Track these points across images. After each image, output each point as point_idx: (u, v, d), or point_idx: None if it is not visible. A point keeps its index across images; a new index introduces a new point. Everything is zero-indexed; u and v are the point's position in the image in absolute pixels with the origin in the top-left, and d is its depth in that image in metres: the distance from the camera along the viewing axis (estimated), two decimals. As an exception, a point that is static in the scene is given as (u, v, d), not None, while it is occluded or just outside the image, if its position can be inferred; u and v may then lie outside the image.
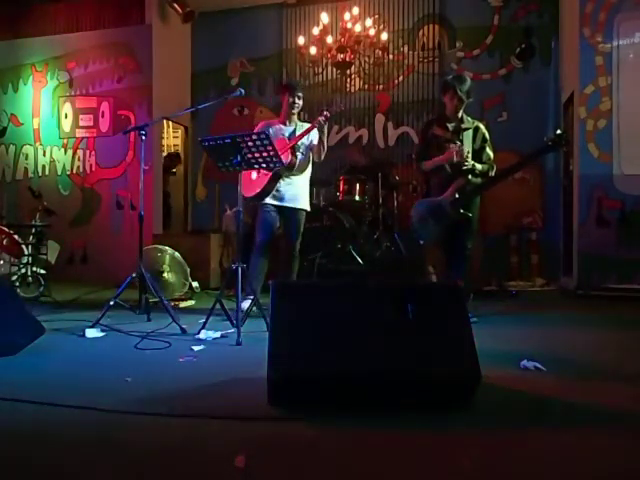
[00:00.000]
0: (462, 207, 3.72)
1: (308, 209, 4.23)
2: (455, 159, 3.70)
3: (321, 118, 3.87)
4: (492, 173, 3.82)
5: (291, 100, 4.09)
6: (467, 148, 3.75)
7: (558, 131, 3.82)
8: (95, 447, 1.58)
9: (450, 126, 3.81)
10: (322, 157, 4.10)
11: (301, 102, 4.16)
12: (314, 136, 4.05)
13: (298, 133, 4.07)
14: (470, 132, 3.79)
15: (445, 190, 3.75)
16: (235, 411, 1.86)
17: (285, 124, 4.19)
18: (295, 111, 4.16)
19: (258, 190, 4.01)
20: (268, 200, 4.03)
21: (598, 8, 5.29)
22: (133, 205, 6.78)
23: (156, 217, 6.96)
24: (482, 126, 3.86)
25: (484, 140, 3.83)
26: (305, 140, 4.06)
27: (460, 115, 3.81)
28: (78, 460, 1.50)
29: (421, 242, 4.01)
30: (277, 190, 4.02)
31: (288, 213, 4.10)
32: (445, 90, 3.81)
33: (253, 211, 4.34)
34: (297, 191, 4.12)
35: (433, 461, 1.50)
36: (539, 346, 2.94)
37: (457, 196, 3.71)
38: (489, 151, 3.84)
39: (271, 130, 4.05)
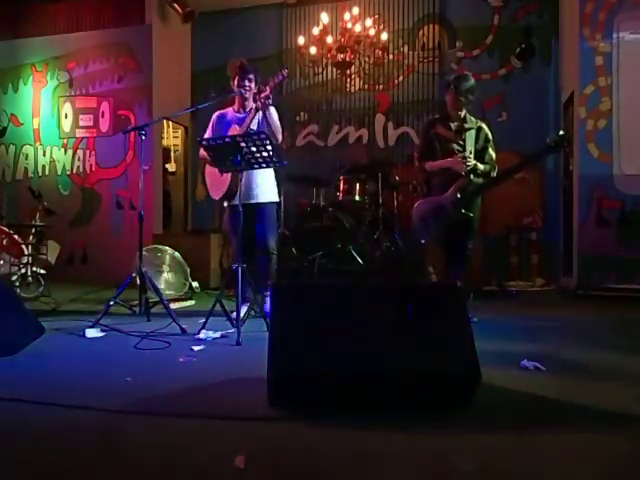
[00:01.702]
0: (463, 207, 3.71)
1: (275, 200, 3.96)
2: (457, 168, 3.71)
3: (260, 101, 3.62)
4: (494, 174, 3.81)
5: (240, 83, 3.80)
6: (470, 148, 3.75)
7: (560, 132, 3.81)
8: (95, 447, 1.58)
9: (453, 125, 3.81)
10: (279, 138, 3.74)
11: (253, 85, 3.82)
12: (264, 119, 3.70)
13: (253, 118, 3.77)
14: (473, 132, 3.78)
15: (446, 190, 3.75)
16: (235, 411, 1.86)
17: (239, 112, 3.90)
18: (248, 95, 3.84)
19: (222, 191, 3.79)
20: (234, 200, 3.69)
21: (598, 8, 5.29)
22: (133, 205, 6.79)
23: (156, 217, 6.96)
24: (485, 126, 3.85)
25: (487, 140, 3.82)
26: (254, 126, 3.75)
27: (463, 115, 3.80)
28: (78, 460, 1.50)
29: (422, 242, 4.00)
30: (239, 188, 3.59)
31: (254, 210, 3.79)
32: (445, 88, 3.86)
33: None
34: (259, 183, 3.84)
35: (433, 461, 1.50)
36: (539, 346, 2.94)
37: (459, 196, 3.71)
38: (491, 152, 3.83)
39: (223, 121, 3.89)
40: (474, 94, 3.79)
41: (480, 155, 3.79)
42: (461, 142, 3.76)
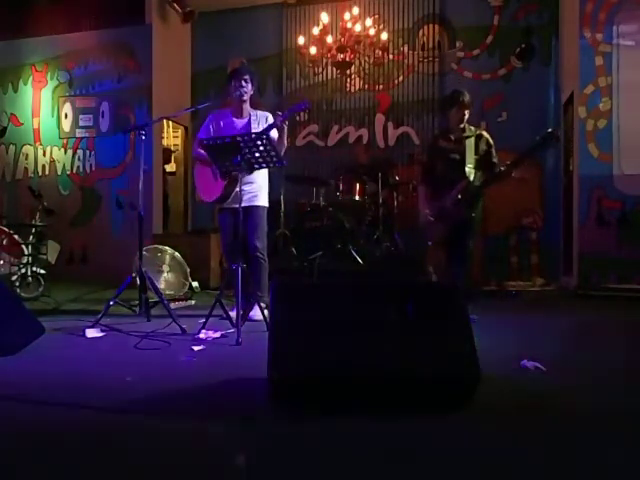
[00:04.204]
0: (466, 208, 3.77)
1: (265, 204, 3.94)
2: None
3: (279, 120, 3.60)
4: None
5: (236, 84, 3.77)
6: (469, 157, 3.80)
7: (549, 129, 3.91)
8: (95, 447, 1.58)
9: (452, 136, 3.89)
10: (281, 153, 3.60)
11: (250, 86, 3.80)
12: (279, 137, 3.69)
13: (253, 125, 3.77)
14: (472, 140, 3.85)
15: (449, 191, 3.80)
16: (235, 411, 1.86)
17: (237, 116, 3.87)
18: (245, 98, 3.81)
19: (217, 194, 3.77)
20: (225, 204, 3.77)
21: (598, 8, 5.29)
22: (133, 205, 6.78)
23: (156, 217, 6.96)
24: (485, 133, 3.93)
25: (489, 145, 3.89)
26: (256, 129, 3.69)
27: (462, 126, 3.87)
28: (78, 460, 1.50)
29: (429, 243, 4.07)
30: (239, 189, 3.47)
31: (244, 213, 3.61)
32: (451, 104, 3.85)
33: None
34: (253, 189, 3.82)
35: (433, 462, 1.50)
36: (539, 346, 2.94)
37: (459, 197, 3.76)
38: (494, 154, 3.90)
39: (221, 123, 3.85)
40: None
41: (484, 160, 3.85)
42: (461, 151, 3.83)
